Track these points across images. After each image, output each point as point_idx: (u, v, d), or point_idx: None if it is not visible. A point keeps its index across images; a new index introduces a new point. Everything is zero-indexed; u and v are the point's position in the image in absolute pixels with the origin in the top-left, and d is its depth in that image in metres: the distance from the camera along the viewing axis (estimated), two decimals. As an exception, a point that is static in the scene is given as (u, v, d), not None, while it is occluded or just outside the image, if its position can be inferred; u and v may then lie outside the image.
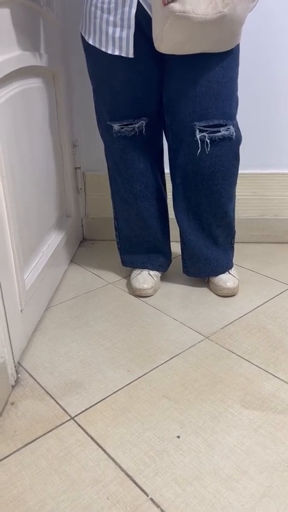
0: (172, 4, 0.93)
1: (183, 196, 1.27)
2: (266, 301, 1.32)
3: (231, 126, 1.16)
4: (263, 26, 1.48)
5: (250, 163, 1.64)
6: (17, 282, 1.03)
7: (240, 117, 1.22)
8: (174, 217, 1.33)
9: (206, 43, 1.03)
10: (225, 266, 1.36)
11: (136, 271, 1.42)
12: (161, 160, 1.35)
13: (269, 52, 1.52)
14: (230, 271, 1.38)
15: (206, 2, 0.94)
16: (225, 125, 1.15)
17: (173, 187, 1.30)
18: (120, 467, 0.80)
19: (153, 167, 1.31)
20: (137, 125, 1.21)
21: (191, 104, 1.13)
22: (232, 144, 1.18)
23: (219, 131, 1.15)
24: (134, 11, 1.05)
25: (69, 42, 1.54)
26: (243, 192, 1.67)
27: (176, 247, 1.56)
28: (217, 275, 1.36)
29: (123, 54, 1.10)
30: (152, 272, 1.41)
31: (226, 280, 1.35)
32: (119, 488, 0.76)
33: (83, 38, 1.17)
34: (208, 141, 1.15)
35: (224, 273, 1.37)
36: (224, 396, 0.96)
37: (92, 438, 0.86)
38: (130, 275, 1.45)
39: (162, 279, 1.46)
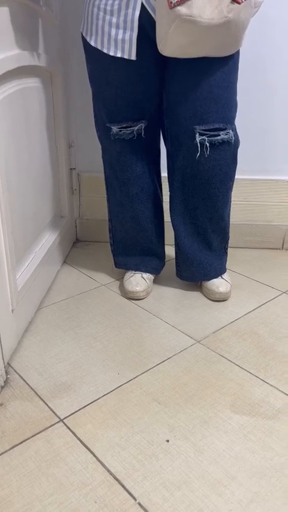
0: (178, 8, 0.93)
1: (180, 199, 1.28)
2: (258, 307, 1.33)
3: (231, 130, 1.16)
4: (262, 31, 1.49)
5: (244, 169, 1.65)
6: (8, 282, 1.03)
7: (237, 123, 1.22)
8: (170, 220, 1.33)
9: (209, 47, 1.03)
10: (218, 271, 1.37)
11: (129, 274, 1.42)
12: (158, 163, 1.35)
13: (267, 57, 1.53)
14: (222, 275, 1.38)
15: (212, 7, 0.94)
16: (225, 129, 1.16)
17: (170, 191, 1.30)
18: (109, 471, 0.80)
19: (150, 170, 1.31)
20: (136, 128, 1.21)
21: (192, 108, 1.14)
22: (231, 148, 1.18)
23: (219, 135, 1.15)
24: (137, 13, 1.05)
25: (68, 43, 1.54)
26: (237, 198, 1.68)
27: (170, 250, 1.56)
28: (210, 279, 1.37)
29: (126, 56, 1.10)
30: (144, 275, 1.40)
31: (218, 284, 1.35)
32: (107, 492, 0.76)
33: (84, 39, 1.17)
34: (208, 144, 1.15)
35: (216, 277, 1.37)
36: (214, 401, 0.96)
37: (80, 441, 0.86)
38: (123, 277, 1.45)
39: (155, 282, 1.46)
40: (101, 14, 1.08)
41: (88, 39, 1.14)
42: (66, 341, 1.16)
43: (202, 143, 1.16)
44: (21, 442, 0.86)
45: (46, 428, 0.89)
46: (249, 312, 1.30)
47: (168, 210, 1.33)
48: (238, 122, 1.25)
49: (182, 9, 0.94)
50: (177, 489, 0.76)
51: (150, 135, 1.26)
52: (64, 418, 0.91)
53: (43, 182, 1.35)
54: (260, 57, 1.52)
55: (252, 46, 1.50)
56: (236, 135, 1.19)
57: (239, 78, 1.47)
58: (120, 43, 1.09)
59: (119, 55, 1.11)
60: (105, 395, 0.97)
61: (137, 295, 1.35)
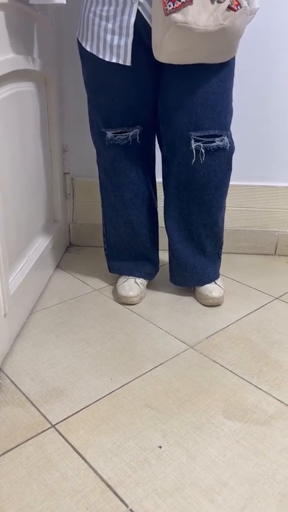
0: (174, 14, 0.94)
1: (175, 205, 1.28)
2: (251, 312, 1.33)
3: (226, 137, 1.17)
4: (261, 38, 1.50)
5: (239, 176, 1.66)
6: (1, 286, 1.02)
7: (232, 129, 1.23)
8: (164, 226, 1.33)
9: (204, 54, 1.04)
10: (212, 276, 1.37)
11: (122, 279, 1.42)
12: (152, 169, 1.35)
13: (265, 62, 1.54)
14: (216, 281, 1.38)
15: (207, 14, 0.95)
16: (220, 136, 1.16)
17: (165, 197, 1.30)
18: (101, 477, 0.79)
19: (145, 176, 1.31)
20: (131, 133, 1.21)
21: (187, 114, 1.14)
22: (226, 155, 1.19)
23: (214, 141, 1.16)
24: (133, 19, 1.05)
25: (63, 47, 1.54)
26: (231, 203, 1.69)
27: (163, 256, 1.56)
28: (203, 285, 1.37)
29: (121, 62, 1.11)
30: (138, 280, 1.40)
31: (212, 290, 1.35)
32: (99, 499, 0.75)
33: (79, 44, 1.17)
34: (203, 150, 1.16)
35: (210, 282, 1.37)
36: (207, 407, 0.95)
37: (72, 447, 0.85)
38: (116, 282, 1.45)
39: (149, 286, 1.46)
40: (97, 19, 1.09)
41: (84, 45, 1.15)
42: (58, 346, 1.15)
43: (197, 149, 1.16)
44: (12, 448, 0.85)
45: (38, 434, 0.88)
46: (242, 318, 1.30)
47: (163, 216, 1.33)
48: (234, 127, 1.26)
49: (178, 16, 0.94)
50: (170, 496, 0.76)
51: (145, 141, 1.27)
52: (56, 424, 0.91)
53: (37, 186, 1.35)
54: (258, 62, 1.53)
55: (251, 51, 1.51)
56: (231, 141, 1.20)
57: (237, 84, 1.48)
58: (116, 49, 1.09)
59: (114, 60, 1.11)
60: (97, 400, 0.97)
61: (131, 300, 1.35)
